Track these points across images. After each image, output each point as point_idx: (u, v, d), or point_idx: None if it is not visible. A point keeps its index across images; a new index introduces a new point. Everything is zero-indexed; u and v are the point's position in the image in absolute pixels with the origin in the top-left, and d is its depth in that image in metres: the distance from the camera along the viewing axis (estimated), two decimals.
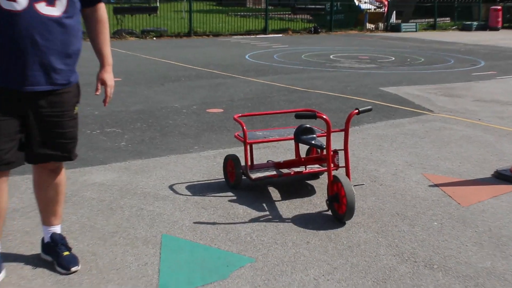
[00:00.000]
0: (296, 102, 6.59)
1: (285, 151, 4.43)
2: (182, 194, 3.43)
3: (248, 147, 3.50)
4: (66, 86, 2.27)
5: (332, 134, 3.10)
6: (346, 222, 3.01)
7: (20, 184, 3.50)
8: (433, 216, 3.14)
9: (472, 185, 3.70)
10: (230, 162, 3.56)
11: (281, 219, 3.06)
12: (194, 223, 2.99)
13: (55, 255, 2.46)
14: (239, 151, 4.10)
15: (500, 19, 22.41)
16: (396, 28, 21.22)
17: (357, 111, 3.08)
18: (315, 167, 3.59)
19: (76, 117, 2.38)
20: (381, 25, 21.54)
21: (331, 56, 11.92)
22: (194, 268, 2.48)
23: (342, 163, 3.31)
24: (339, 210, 3.02)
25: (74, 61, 2.27)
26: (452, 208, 3.27)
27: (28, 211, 3.09)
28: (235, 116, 3.64)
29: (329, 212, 3.13)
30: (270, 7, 20.71)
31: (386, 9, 21.76)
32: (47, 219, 2.52)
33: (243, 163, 3.53)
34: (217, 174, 3.83)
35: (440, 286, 2.37)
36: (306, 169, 3.55)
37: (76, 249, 2.59)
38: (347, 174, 3.14)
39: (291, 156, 4.05)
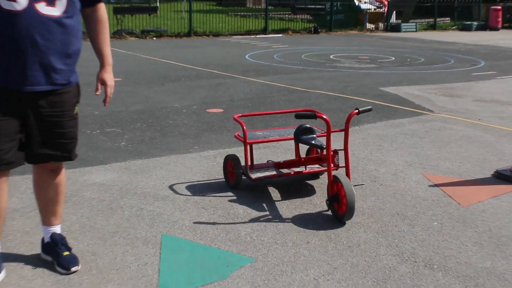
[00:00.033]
0: (296, 102, 6.59)
1: (285, 151, 4.43)
2: (182, 194, 3.43)
3: (248, 147, 3.50)
4: (66, 86, 2.27)
5: (332, 134, 3.10)
6: (346, 222, 3.01)
7: (20, 184, 3.50)
8: (433, 216, 3.14)
9: (472, 185, 3.70)
10: (230, 162, 3.55)
11: (281, 219, 3.06)
12: (194, 223, 2.99)
13: (55, 255, 2.46)
14: (239, 151, 4.10)
15: (500, 19, 22.40)
16: (396, 28, 21.21)
17: (357, 111, 3.08)
18: (315, 167, 3.59)
19: (76, 117, 2.38)
20: (381, 25, 21.54)
21: (331, 56, 11.91)
22: (194, 268, 2.48)
23: (342, 163, 3.30)
24: (339, 210, 3.02)
25: (74, 61, 2.27)
26: (452, 208, 3.26)
27: (28, 211, 3.09)
28: (235, 116, 3.64)
29: (329, 212, 3.13)
30: (270, 7, 20.72)
31: (386, 9, 21.75)
32: (47, 219, 2.52)
33: (243, 163, 3.53)
34: (217, 174, 3.83)
35: (440, 286, 2.37)
36: (306, 169, 3.54)
37: (76, 249, 2.59)
38: (347, 174, 3.14)
39: (291, 156, 4.05)
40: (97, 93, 2.43)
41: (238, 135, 3.61)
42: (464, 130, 5.23)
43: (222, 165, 3.79)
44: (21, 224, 2.93)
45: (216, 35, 17.62)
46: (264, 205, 3.28)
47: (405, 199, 3.41)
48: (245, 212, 3.16)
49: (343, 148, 3.20)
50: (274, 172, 3.48)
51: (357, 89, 7.56)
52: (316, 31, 19.53)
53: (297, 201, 3.34)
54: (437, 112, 6.08)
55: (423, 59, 11.60)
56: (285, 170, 3.52)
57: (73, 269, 2.41)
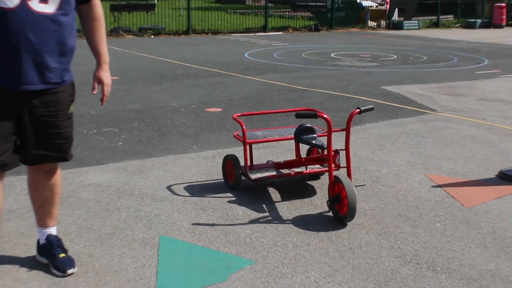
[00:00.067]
0: (297, 101, 6.57)
1: (285, 151, 4.42)
2: (181, 195, 3.41)
3: (248, 147, 3.49)
4: (60, 85, 2.25)
5: (333, 133, 3.09)
6: (348, 223, 3.00)
7: (16, 184, 3.49)
8: (436, 217, 3.12)
9: (476, 185, 3.69)
10: (229, 162, 3.54)
11: (281, 221, 3.05)
12: (193, 224, 2.97)
13: (51, 257, 2.45)
14: (238, 151, 4.08)
15: (504, 16, 22.27)
16: (398, 26, 21.17)
17: (358, 110, 3.07)
18: (316, 168, 3.58)
19: (71, 116, 2.36)
20: (383, 22, 21.50)
21: (332, 54, 11.89)
22: (193, 270, 2.47)
23: (343, 163, 3.29)
24: (340, 211, 3.01)
25: (68, 60, 2.25)
26: (456, 209, 3.25)
27: (23, 212, 3.07)
28: (234, 116, 3.63)
29: (330, 213, 3.12)
30: (270, 5, 20.72)
31: (388, 7, 21.72)
32: (42, 220, 2.51)
33: (242, 163, 3.52)
34: (216, 174, 3.81)
35: None
36: (306, 170, 3.54)
37: (72, 251, 2.57)
38: (349, 175, 3.13)
39: (291, 156, 4.04)
40: (94, 92, 2.42)
41: (237, 134, 3.60)
42: (467, 130, 5.21)
43: (221, 165, 3.77)
44: (16, 225, 2.92)
45: (215, 33, 17.59)
46: (264, 206, 3.27)
47: (408, 200, 3.40)
48: (245, 213, 3.15)
49: (344, 148, 3.19)
50: (274, 173, 3.48)
51: (359, 88, 7.54)
52: (316, 29, 19.51)
53: (298, 202, 3.33)
54: (440, 111, 6.06)
55: (425, 58, 11.59)
56: (285, 171, 3.51)
57: (69, 271, 2.40)
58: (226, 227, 2.94)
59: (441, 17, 22.95)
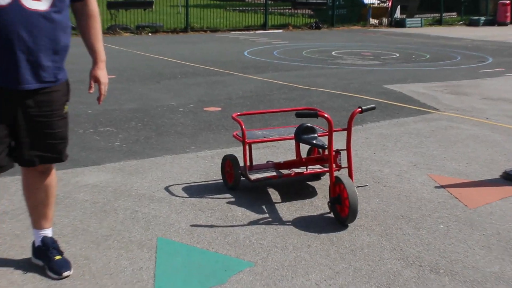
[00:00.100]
0: (297, 100, 6.56)
1: (285, 151, 4.41)
2: (179, 196, 3.40)
3: (247, 147, 3.49)
4: (54, 84, 2.23)
5: (334, 133, 3.08)
6: (349, 224, 2.99)
7: (10, 185, 3.48)
8: (439, 219, 3.11)
9: (480, 186, 3.68)
10: (228, 162, 3.53)
11: (281, 222, 3.04)
12: (191, 226, 2.96)
13: (47, 259, 2.44)
14: (237, 151, 4.06)
15: (508, 14, 22.15)
16: (400, 24, 21.13)
17: (360, 109, 3.07)
18: (317, 168, 3.58)
19: (66, 116, 2.35)
20: (385, 20, 21.46)
21: (333, 53, 11.88)
22: (191, 272, 2.47)
23: (344, 163, 3.28)
24: (341, 213, 3.00)
25: (62, 58, 2.23)
26: (459, 210, 3.24)
27: (18, 214, 3.06)
28: (234, 115, 3.63)
29: (331, 215, 3.11)
30: (269, 2, 20.72)
31: (390, 4, 21.68)
32: (37, 222, 2.50)
33: (241, 164, 3.50)
34: (215, 175, 3.80)
35: None
36: (307, 170, 3.53)
37: (68, 253, 2.56)
38: (350, 175, 3.12)
39: (292, 156, 4.03)
40: (91, 91, 2.42)
41: (236, 134, 3.60)
42: (471, 129, 5.20)
43: (220, 165, 3.76)
44: (11, 227, 2.91)
45: (214, 30, 17.56)
46: (264, 207, 3.26)
47: (410, 201, 3.38)
48: (244, 214, 3.14)
49: (345, 148, 3.18)
50: (274, 173, 3.47)
51: (360, 87, 7.53)
52: (317, 27, 19.47)
53: (298, 203, 3.32)
54: (443, 110, 6.05)
55: (428, 56, 11.57)
56: (285, 171, 3.51)
57: (65, 274, 2.39)
58: (225, 228, 2.93)
59: (444, 14, 22.89)
